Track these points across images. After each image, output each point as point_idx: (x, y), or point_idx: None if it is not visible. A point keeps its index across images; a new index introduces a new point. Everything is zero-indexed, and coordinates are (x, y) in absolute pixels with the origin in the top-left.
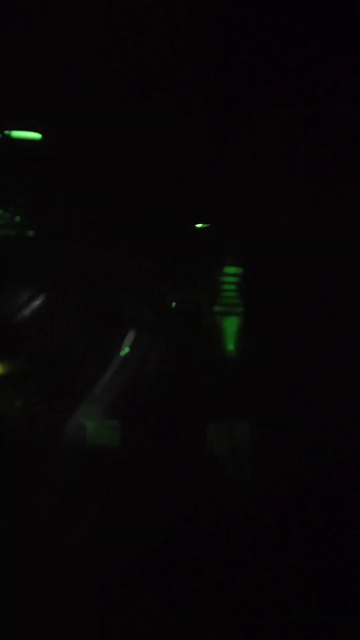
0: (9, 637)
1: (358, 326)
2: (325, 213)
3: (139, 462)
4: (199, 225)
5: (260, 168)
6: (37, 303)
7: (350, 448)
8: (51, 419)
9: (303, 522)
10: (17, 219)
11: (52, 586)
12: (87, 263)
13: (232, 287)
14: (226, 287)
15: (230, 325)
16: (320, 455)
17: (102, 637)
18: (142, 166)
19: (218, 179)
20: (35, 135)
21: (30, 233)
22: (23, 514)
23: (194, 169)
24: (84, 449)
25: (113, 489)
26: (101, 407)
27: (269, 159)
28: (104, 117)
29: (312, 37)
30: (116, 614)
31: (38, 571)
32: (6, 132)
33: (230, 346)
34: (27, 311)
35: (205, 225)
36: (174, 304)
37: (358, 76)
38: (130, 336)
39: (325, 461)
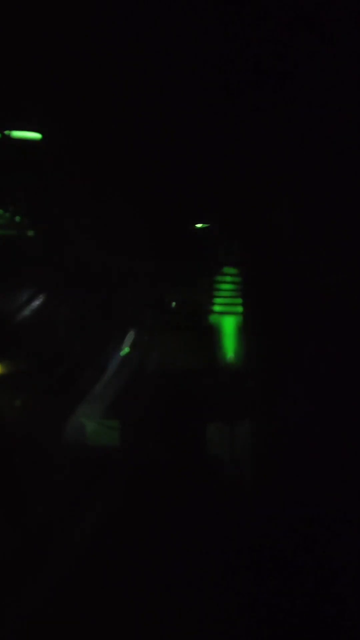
0: (9, 637)
1: (358, 326)
2: (325, 213)
3: (139, 462)
4: (199, 225)
5: (260, 169)
6: (37, 303)
7: (350, 447)
8: (51, 419)
9: (302, 521)
10: (17, 219)
11: (52, 585)
12: (87, 263)
13: (232, 287)
14: (226, 287)
15: (230, 325)
16: (319, 455)
17: (102, 637)
18: (142, 166)
19: (218, 179)
20: (35, 135)
21: (30, 233)
22: (23, 514)
23: (195, 169)
24: (84, 449)
25: (113, 488)
26: (101, 407)
27: (268, 160)
28: (104, 118)
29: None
30: (116, 614)
31: (38, 571)
32: (6, 132)
33: (230, 346)
34: (26, 311)
35: (205, 225)
36: (174, 304)
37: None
38: (130, 336)
39: (324, 460)
